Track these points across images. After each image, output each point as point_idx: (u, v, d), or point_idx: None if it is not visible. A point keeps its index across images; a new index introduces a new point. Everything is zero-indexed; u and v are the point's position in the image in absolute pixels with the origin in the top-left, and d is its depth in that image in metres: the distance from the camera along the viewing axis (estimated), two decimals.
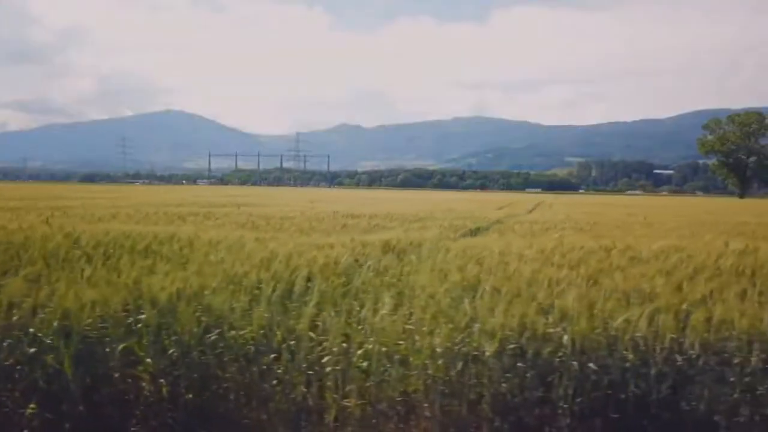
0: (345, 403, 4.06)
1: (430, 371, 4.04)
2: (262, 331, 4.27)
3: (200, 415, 4.09)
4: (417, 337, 4.14)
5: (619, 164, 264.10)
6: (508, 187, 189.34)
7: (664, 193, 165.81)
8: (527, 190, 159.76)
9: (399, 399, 4.07)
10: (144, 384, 4.14)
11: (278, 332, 4.16)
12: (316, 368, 4.09)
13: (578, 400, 3.95)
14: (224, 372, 4.12)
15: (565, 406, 3.95)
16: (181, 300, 4.35)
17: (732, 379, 3.96)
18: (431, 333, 4.12)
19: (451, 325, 4.18)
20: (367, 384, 4.07)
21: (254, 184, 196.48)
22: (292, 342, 4.14)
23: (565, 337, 4.02)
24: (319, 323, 4.33)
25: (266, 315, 4.31)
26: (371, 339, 4.13)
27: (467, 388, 4.03)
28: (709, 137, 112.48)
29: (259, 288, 4.85)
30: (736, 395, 3.95)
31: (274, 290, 4.85)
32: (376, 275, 5.76)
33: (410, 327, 4.21)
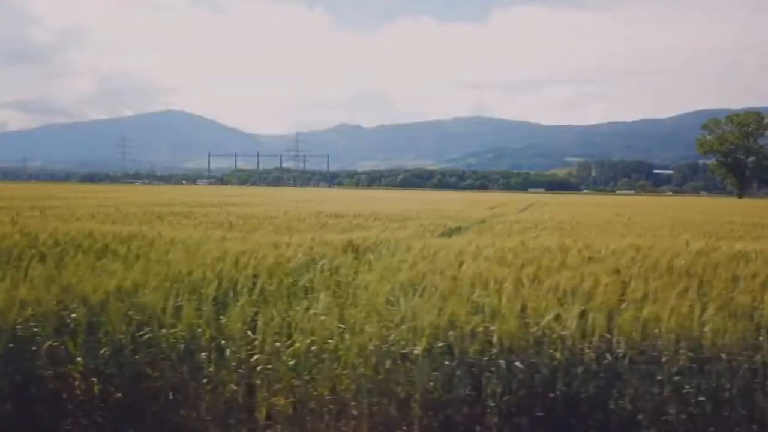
0: (274, 401, 4.07)
1: (359, 370, 4.05)
2: (199, 330, 4.28)
3: (130, 414, 4.09)
4: (347, 336, 4.14)
5: (619, 164, 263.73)
6: (508, 187, 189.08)
7: (668, 193, 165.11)
8: (530, 190, 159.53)
9: (329, 398, 4.07)
10: (76, 382, 4.15)
11: (207, 331, 4.17)
12: (244, 367, 4.09)
13: (505, 398, 3.95)
14: (154, 370, 4.12)
15: (492, 404, 3.95)
16: (115, 298, 4.35)
17: (660, 377, 3.97)
18: (361, 331, 4.12)
19: (382, 323, 4.19)
20: (297, 383, 4.08)
21: (253, 184, 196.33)
22: (222, 341, 4.14)
23: (494, 336, 4.03)
24: (255, 322, 4.34)
25: (198, 314, 4.31)
26: (301, 338, 4.13)
27: (396, 386, 4.04)
28: (708, 137, 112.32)
29: (200, 287, 4.86)
30: (664, 394, 3.96)
31: (217, 289, 4.88)
32: (326, 274, 5.78)
33: (341, 326, 4.21)
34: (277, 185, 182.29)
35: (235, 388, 4.11)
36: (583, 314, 4.26)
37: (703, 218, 21.28)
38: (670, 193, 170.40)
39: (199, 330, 4.22)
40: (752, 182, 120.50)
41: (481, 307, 4.32)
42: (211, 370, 4.11)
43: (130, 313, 4.27)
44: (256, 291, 4.88)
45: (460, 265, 5.92)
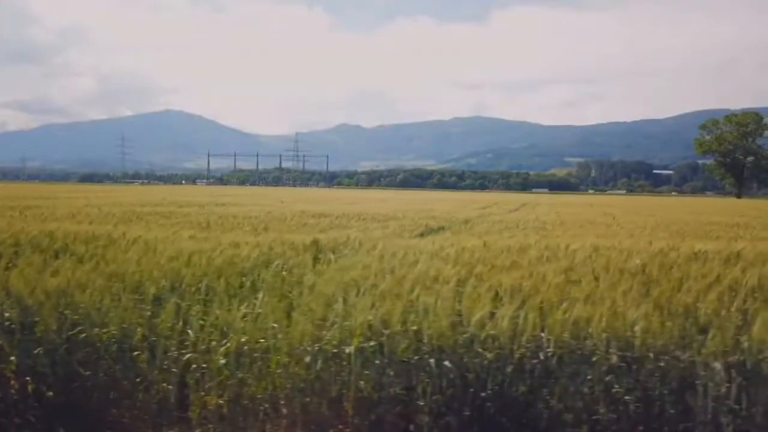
0: (207, 400, 4.07)
1: (290, 369, 4.05)
2: (131, 328, 4.28)
3: (63, 414, 4.10)
4: (280, 335, 4.14)
5: (619, 164, 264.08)
6: (507, 187, 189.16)
7: (672, 194, 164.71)
8: (534, 190, 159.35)
9: (261, 397, 4.07)
10: (11, 382, 4.15)
11: (140, 330, 4.17)
12: (176, 366, 4.09)
13: (435, 397, 3.95)
14: (87, 370, 4.13)
15: (421, 403, 3.96)
16: (55, 297, 4.35)
17: (590, 377, 3.97)
18: (294, 330, 4.13)
19: (317, 323, 4.19)
20: (230, 382, 4.08)
21: (253, 184, 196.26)
22: (154, 339, 4.15)
23: (424, 335, 4.03)
24: (193, 321, 4.35)
25: (136, 313, 4.31)
26: (235, 337, 4.13)
27: (328, 385, 4.04)
28: (707, 137, 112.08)
29: (145, 286, 4.86)
30: (594, 393, 3.96)
31: (161, 288, 4.89)
32: (282, 274, 5.79)
33: (275, 325, 4.21)
34: (276, 185, 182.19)
35: (168, 387, 4.11)
36: (521, 314, 4.27)
37: (690, 218, 21.27)
38: (675, 193, 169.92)
39: (132, 329, 4.21)
40: (752, 182, 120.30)
41: (417, 307, 4.32)
42: (143, 368, 4.11)
43: (66, 312, 4.27)
44: (201, 290, 4.89)
45: (414, 265, 5.92)
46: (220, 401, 4.08)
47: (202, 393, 4.11)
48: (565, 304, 4.49)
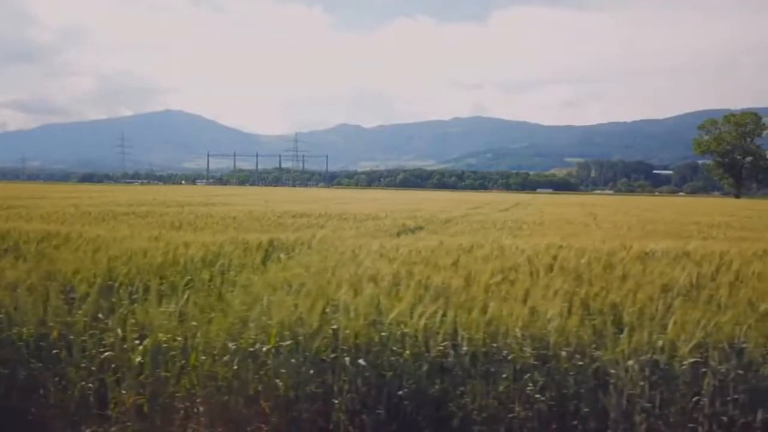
0: (125, 398, 4.08)
1: (206, 367, 4.07)
2: (56, 328, 4.30)
3: None
4: (198, 334, 4.16)
5: (619, 164, 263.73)
6: (507, 187, 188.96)
7: (681, 194, 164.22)
8: (538, 190, 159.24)
9: (179, 395, 4.09)
10: None
11: (56, 328, 4.19)
12: (92, 365, 4.11)
13: (350, 396, 3.96)
14: (5, 368, 4.14)
15: (336, 402, 3.97)
16: None
17: (505, 375, 3.98)
18: (213, 328, 4.14)
19: (237, 322, 4.21)
20: (148, 380, 4.10)
21: (252, 184, 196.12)
22: (72, 338, 4.16)
23: (340, 334, 4.05)
24: (115, 319, 4.36)
25: (53, 311, 4.33)
26: (153, 335, 4.15)
27: (245, 383, 4.05)
28: (705, 137, 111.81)
29: (77, 285, 4.88)
30: (510, 392, 3.97)
31: (91, 287, 4.90)
32: (222, 273, 5.82)
33: (194, 323, 4.23)
34: (275, 185, 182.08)
35: (87, 385, 4.12)
36: (443, 313, 4.28)
37: (674, 218, 21.28)
38: (683, 194, 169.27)
39: (53, 327, 4.23)
40: (750, 182, 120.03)
41: (339, 305, 4.33)
42: (61, 367, 4.13)
43: None
44: (137, 289, 4.91)
45: (359, 264, 5.93)
46: (140, 399, 4.10)
47: (123, 391, 4.13)
48: (488, 303, 4.51)
